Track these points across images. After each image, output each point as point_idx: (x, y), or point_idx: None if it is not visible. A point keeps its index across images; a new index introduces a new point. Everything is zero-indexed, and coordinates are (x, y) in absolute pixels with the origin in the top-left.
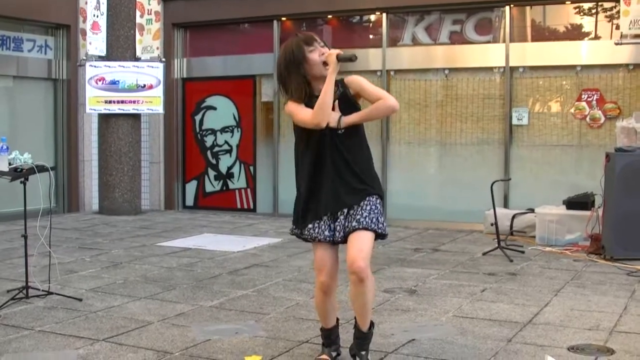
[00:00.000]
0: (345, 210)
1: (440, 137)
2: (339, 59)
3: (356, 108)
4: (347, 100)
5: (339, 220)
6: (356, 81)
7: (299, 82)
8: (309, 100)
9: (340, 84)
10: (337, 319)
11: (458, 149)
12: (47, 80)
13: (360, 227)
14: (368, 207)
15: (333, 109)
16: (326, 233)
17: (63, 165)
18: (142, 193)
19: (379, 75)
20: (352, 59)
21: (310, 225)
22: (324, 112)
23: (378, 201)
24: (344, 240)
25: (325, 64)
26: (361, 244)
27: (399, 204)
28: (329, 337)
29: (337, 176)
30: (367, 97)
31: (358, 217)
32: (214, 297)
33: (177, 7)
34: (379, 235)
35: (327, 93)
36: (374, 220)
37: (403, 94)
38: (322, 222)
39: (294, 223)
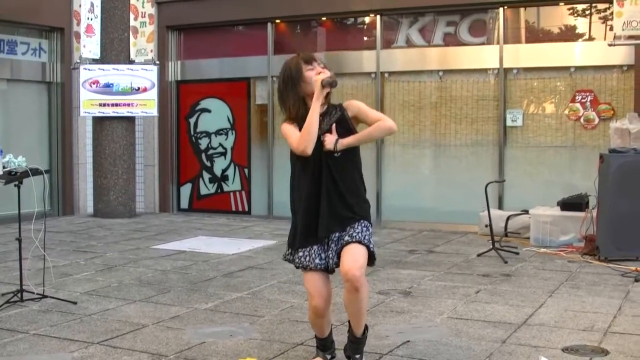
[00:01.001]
0: (335, 237)
1: (434, 139)
2: (323, 84)
3: (354, 131)
4: (345, 123)
5: (331, 248)
6: (354, 104)
7: (295, 100)
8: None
9: (338, 107)
10: (331, 325)
11: (452, 151)
12: (41, 83)
13: (354, 240)
14: (360, 227)
15: (330, 132)
16: (317, 261)
17: (57, 168)
18: (137, 196)
19: (373, 77)
20: (332, 85)
21: (300, 254)
22: (308, 139)
23: (369, 225)
24: (338, 263)
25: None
26: (356, 255)
27: (394, 206)
28: (324, 343)
29: (330, 205)
30: (365, 119)
31: (351, 232)
32: (209, 300)
33: (170, 9)
34: (369, 256)
35: (311, 120)
36: (366, 237)
37: (397, 95)
38: (312, 251)
39: (289, 246)
